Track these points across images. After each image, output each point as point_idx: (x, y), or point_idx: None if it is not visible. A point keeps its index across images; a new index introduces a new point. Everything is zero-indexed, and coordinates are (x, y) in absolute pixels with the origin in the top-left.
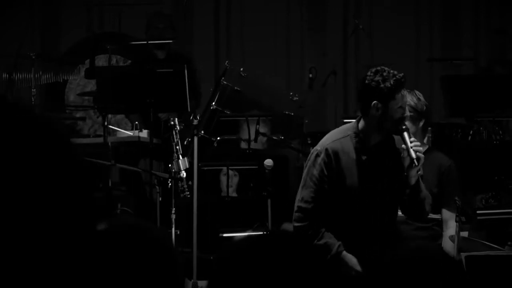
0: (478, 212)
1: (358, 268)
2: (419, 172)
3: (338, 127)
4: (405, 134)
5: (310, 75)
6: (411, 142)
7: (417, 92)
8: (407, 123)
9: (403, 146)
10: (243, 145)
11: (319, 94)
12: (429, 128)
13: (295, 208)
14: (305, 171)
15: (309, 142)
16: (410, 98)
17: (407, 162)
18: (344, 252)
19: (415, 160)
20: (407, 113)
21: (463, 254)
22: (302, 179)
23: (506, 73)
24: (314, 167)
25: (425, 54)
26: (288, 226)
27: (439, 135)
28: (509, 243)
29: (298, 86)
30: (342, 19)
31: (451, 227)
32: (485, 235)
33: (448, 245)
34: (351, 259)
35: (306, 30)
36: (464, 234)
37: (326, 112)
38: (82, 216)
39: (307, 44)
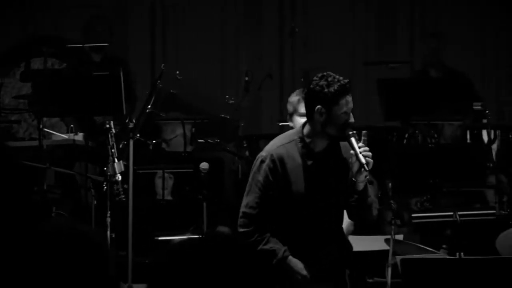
0: (413, 215)
1: (304, 272)
2: (367, 177)
3: (274, 130)
4: (353, 139)
5: (246, 78)
6: (359, 148)
7: None
8: None
9: (352, 151)
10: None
11: (255, 97)
12: (365, 131)
13: (240, 214)
14: (250, 177)
15: (244, 145)
16: None
17: (355, 167)
18: (290, 257)
19: (365, 165)
20: (352, 119)
21: (398, 257)
22: (248, 185)
23: (441, 76)
24: (259, 173)
25: (361, 57)
26: (223, 229)
27: (375, 138)
28: (444, 246)
29: (234, 89)
30: (278, 22)
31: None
32: (420, 238)
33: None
34: (297, 264)
35: (242, 33)
36: (399, 237)
37: (262, 115)
38: (22, 217)
39: (243, 47)
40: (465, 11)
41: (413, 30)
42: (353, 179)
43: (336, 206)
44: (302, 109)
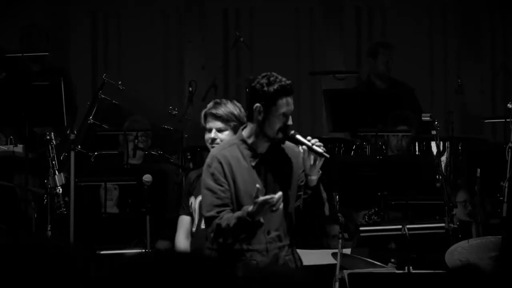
0: (361, 228)
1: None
2: (319, 173)
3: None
4: (298, 136)
5: (190, 89)
6: (309, 141)
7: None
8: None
9: (302, 147)
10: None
11: (199, 108)
12: None
13: (205, 222)
14: (201, 185)
15: (188, 157)
16: (233, 107)
17: (308, 162)
18: (247, 207)
19: (324, 153)
20: (290, 122)
21: (345, 272)
22: (202, 195)
23: (386, 87)
24: (208, 177)
25: (307, 67)
26: (163, 243)
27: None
28: (392, 260)
29: (178, 99)
30: (222, 31)
31: None
32: (367, 252)
33: None
34: (256, 205)
35: (186, 42)
36: (347, 251)
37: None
38: None
39: (187, 57)
40: (412, 23)
41: (360, 39)
42: (308, 174)
43: (285, 206)
44: None
